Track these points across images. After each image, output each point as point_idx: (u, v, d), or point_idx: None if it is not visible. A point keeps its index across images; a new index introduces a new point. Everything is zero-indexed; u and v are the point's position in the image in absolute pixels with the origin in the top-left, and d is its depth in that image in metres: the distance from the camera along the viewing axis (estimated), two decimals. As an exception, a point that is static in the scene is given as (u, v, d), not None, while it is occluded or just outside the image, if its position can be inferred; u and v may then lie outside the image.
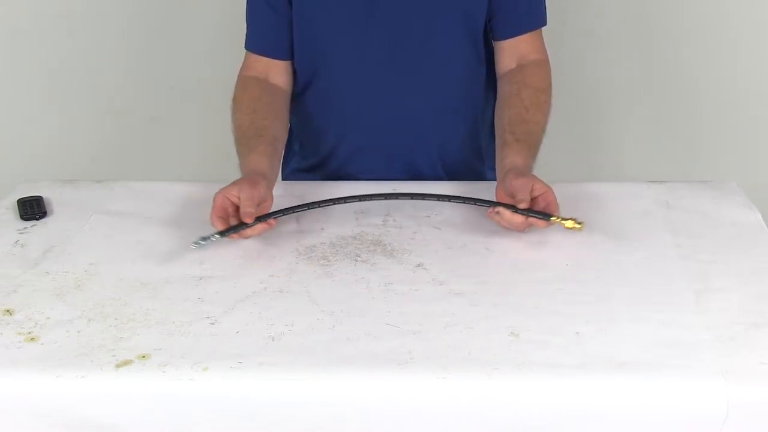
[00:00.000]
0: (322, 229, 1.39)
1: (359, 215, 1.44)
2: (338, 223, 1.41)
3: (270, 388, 1.05)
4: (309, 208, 1.42)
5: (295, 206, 1.41)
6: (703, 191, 1.49)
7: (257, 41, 1.58)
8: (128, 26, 2.27)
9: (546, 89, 1.53)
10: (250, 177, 1.38)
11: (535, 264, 1.29)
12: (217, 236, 1.32)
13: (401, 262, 1.30)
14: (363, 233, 1.39)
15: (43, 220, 1.45)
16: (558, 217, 1.31)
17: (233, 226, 1.33)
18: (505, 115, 1.49)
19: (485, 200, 1.39)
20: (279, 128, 1.53)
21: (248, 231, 1.33)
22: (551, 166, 2.27)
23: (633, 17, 2.19)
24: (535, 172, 1.43)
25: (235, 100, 1.55)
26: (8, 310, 1.19)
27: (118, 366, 1.07)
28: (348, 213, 1.45)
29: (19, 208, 1.47)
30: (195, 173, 2.33)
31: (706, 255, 1.29)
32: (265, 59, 1.57)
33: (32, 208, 1.46)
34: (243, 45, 1.59)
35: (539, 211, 1.32)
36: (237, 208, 1.34)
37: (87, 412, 1.06)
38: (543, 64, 1.56)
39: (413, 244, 1.35)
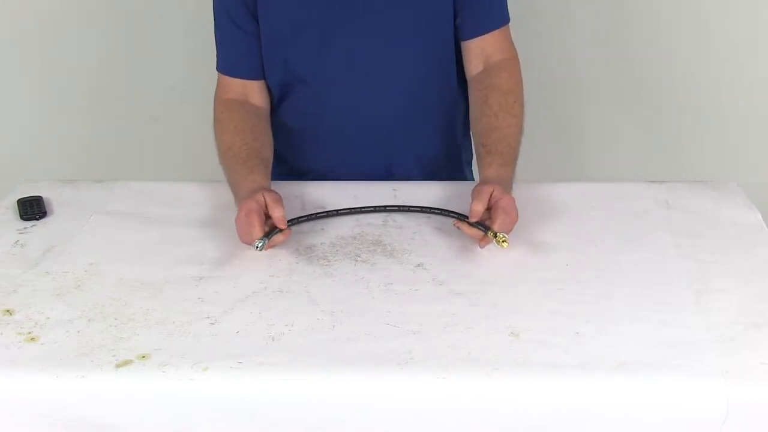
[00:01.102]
0: (322, 229, 1.39)
1: (359, 215, 1.44)
2: (338, 223, 1.41)
3: (270, 388, 1.05)
4: (336, 214, 1.43)
5: (318, 212, 1.42)
6: (703, 191, 1.49)
7: (231, 64, 1.56)
8: (128, 26, 2.27)
9: (513, 90, 1.50)
10: (261, 190, 1.36)
11: (535, 264, 1.29)
12: (265, 240, 1.30)
13: (401, 262, 1.30)
14: (363, 233, 1.39)
15: (43, 220, 1.45)
16: (491, 231, 1.28)
17: (269, 231, 1.31)
18: (476, 125, 1.49)
19: (457, 213, 1.40)
20: (269, 151, 1.52)
21: (279, 237, 1.32)
22: (552, 166, 2.28)
23: (633, 16, 2.19)
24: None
25: (219, 122, 1.53)
26: (8, 310, 1.19)
27: (118, 366, 1.07)
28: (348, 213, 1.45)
29: (19, 208, 1.47)
30: (195, 173, 2.33)
31: (706, 255, 1.29)
32: (241, 81, 1.56)
33: (32, 208, 1.46)
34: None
35: (482, 224, 1.30)
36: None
37: (87, 412, 1.06)
38: (509, 64, 1.53)
39: (413, 244, 1.35)
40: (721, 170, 2.24)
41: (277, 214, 1.31)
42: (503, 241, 1.27)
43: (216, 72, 1.60)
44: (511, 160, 1.44)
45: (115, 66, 2.31)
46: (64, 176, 1.64)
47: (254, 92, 1.56)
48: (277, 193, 1.36)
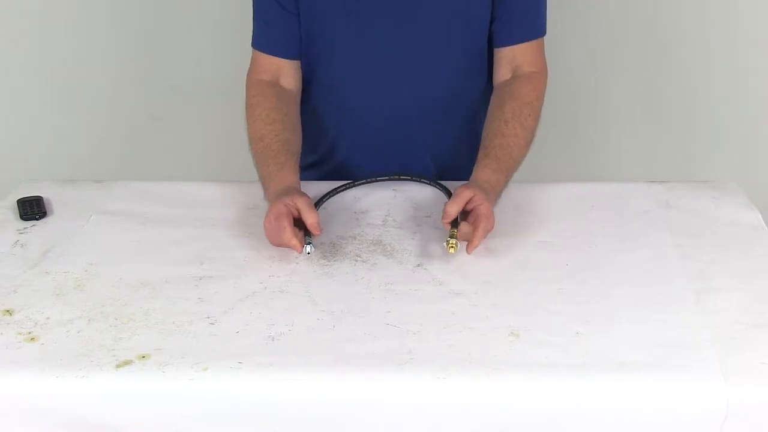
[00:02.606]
0: (322, 228, 1.38)
1: (359, 215, 1.44)
2: (338, 223, 1.41)
3: (270, 388, 1.05)
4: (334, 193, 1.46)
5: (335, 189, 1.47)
6: (703, 191, 1.49)
7: (268, 41, 1.55)
8: (128, 26, 2.27)
9: (532, 102, 1.50)
10: (292, 191, 1.36)
11: (535, 264, 1.29)
12: (312, 244, 1.30)
13: (401, 262, 1.30)
14: (363, 233, 1.39)
15: (43, 220, 1.45)
16: (453, 237, 1.28)
17: (306, 233, 1.31)
18: (486, 128, 1.49)
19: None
20: (299, 141, 1.51)
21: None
22: (552, 166, 2.28)
23: (633, 17, 2.19)
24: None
25: (251, 106, 1.52)
26: (8, 310, 1.19)
27: (118, 366, 1.07)
28: (348, 213, 1.45)
29: (19, 208, 1.47)
30: (195, 173, 2.33)
31: (706, 255, 1.29)
32: (276, 60, 1.55)
33: (32, 208, 1.46)
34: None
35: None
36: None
37: (87, 412, 1.06)
38: (535, 77, 1.53)
39: (413, 244, 1.35)
40: (721, 170, 2.24)
41: (311, 221, 1.30)
42: (451, 247, 1.27)
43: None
44: (507, 168, 1.43)
45: (116, 66, 2.31)
46: (64, 176, 1.64)
47: (288, 73, 1.55)
48: (307, 196, 1.34)
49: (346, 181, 1.52)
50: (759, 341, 1.09)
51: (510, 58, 1.54)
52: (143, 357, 1.09)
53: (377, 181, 1.53)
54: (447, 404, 1.04)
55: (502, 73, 1.55)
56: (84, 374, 1.06)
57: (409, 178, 1.52)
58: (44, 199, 1.50)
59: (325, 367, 1.07)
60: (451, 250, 1.27)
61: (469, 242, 1.29)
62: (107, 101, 2.36)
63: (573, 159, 2.35)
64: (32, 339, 1.13)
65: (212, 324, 1.15)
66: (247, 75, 1.57)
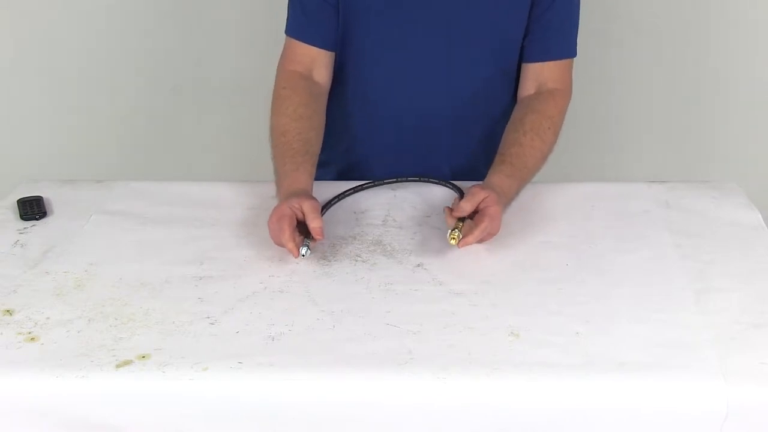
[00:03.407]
0: (325, 235, 1.38)
1: (359, 215, 1.44)
2: (338, 223, 1.41)
3: (270, 388, 1.05)
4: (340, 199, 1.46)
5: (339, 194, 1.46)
6: (703, 191, 1.49)
7: (305, 29, 1.52)
8: (128, 26, 2.27)
9: (553, 117, 1.51)
10: (301, 194, 1.35)
11: (535, 264, 1.29)
12: (308, 248, 1.29)
13: (401, 262, 1.30)
14: (363, 233, 1.39)
15: (43, 220, 1.45)
16: (457, 228, 1.29)
17: (308, 236, 1.31)
18: (504, 137, 1.49)
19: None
20: (319, 142, 1.49)
21: (312, 243, 1.31)
22: (552, 166, 2.28)
23: (633, 18, 2.19)
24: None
25: (279, 98, 1.50)
26: (8, 310, 1.19)
27: (118, 366, 1.07)
28: (348, 213, 1.45)
29: (19, 208, 1.47)
30: (195, 173, 2.33)
31: (706, 255, 1.29)
32: (312, 49, 1.52)
33: (32, 208, 1.46)
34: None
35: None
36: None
37: (87, 412, 1.06)
38: (559, 95, 1.54)
39: (413, 244, 1.35)
40: (721, 170, 2.24)
41: (315, 225, 1.29)
42: (453, 238, 1.27)
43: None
44: (520, 176, 1.43)
45: (116, 66, 2.32)
46: (64, 176, 1.64)
47: (321, 65, 1.53)
48: (315, 200, 1.34)
49: (355, 183, 1.50)
50: (759, 341, 1.09)
51: (537, 74, 1.54)
52: (143, 357, 1.09)
53: (381, 184, 1.51)
54: (447, 404, 1.04)
55: (527, 87, 1.55)
56: (84, 374, 1.06)
57: (417, 179, 1.52)
58: (44, 199, 1.50)
59: (325, 367, 1.07)
60: (452, 242, 1.27)
61: (464, 237, 1.28)
62: (107, 101, 2.36)
63: (573, 159, 2.35)
64: (32, 339, 1.13)
65: (212, 324, 1.15)
66: (279, 63, 1.54)
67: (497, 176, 1.41)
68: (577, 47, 1.54)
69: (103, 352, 1.10)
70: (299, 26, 1.53)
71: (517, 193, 1.43)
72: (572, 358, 1.07)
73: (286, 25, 1.54)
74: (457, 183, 1.50)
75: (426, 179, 1.51)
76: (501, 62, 1.54)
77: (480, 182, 1.39)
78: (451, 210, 1.33)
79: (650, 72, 2.25)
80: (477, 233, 1.28)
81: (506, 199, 1.39)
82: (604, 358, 1.07)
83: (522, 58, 1.55)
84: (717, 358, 1.06)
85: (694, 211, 1.43)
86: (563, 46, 1.54)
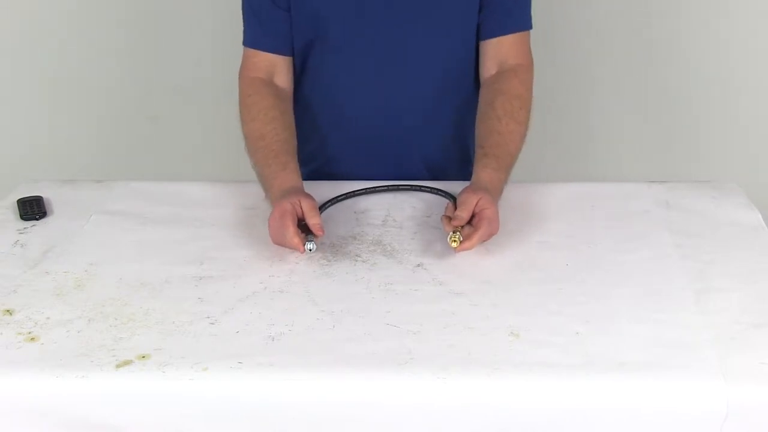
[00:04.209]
0: (325, 231, 1.38)
1: (359, 215, 1.44)
2: (338, 223, 1.41)
3: (270, 388, 1.05)
4: (353, 195, 1.47)
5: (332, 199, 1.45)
6: (703, 191, 1.49)
7: (261, 38, 1.54)
8: (128, 26, 2.27)
9: (522, 95, 1.50)
10: (296, 192, 1.36)
11: (535, 264, 1.29)
12: (314, 242, 1.31)
13: (401, 262, 1.30)
14: (363, 233, 1.39)
15: (43, 220, 1.45)
16: (457, 231, 1.29)
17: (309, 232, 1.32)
18: (479, 127, 1.49)
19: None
20: (295, 141, 1.51)
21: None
22: (552, 166, 2.28)
23: (633, 16, 2.19)
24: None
25: (246, 105, 1.51)
26: (8, 310, 1.19)
27: (118, 366, 1.07)
28: (348, 213, 1.45)
29: (19, 208, 1.47)
30: (195, 173, 2.33)
31: (706, 255, 1.29)
32: (270, 56, 1.54)
33: (32, 208, 1.46)
34: (241, 46, 1.56)
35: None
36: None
37: (87, 412, 1.06)
38: (522, 70, 1.53)
39: (413, 244, 1.35)
40: (721, 170, 2.24)
41: (314, 221, 1.31)
42: (454, 241, 1.27)
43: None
44: (506, 165, 1.43)
45: (116, 66, 2.32)
46: (64, 176, 1.64)
47: (281, 70, 1.55)
48: (312, 198, 1.35)
49: (348, 191, 1.50)
50: (759, 341, 1.09)
51: (495, 52, 1.53)
52: (143, 357, 1.09)
53: (378, 190, 1.51)
54: (447, 404, 1.04)
55: (488, 67, 1.54)
56: (84, 374, 1.06)
57: (409, 187, 1.51)
58: (44, 199, 1.50)
59: (325, 367, 1.07)
60: (453, 244, 1.27)
61: (464, 241, 1.28)
62: (107, 101, 2.36)
63: (573, 159, 2.36)
64: (32, 339, 1.13)
65: (212, 324, 1.15)
66: (240, 73, 1.56)
67: (484, 172, 1.41)
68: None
69: (103, 352, 1.10)
70: (255, 36, 1.55)
71: (506, 182, 1.43)
72: (572, 358, 1.07)
73: (244, 37, 1.56)
74: (446, 185, 1.49)
75: (418, 187, 1.50)
76: (459, 47, 1.54)
77: (467, 183, 1.39)
78: (448, 218, 1.32)
79: (650, 72, 2.25)
80: (476, 239, 1.29)
81: (498, 193, 1.39)
82: (604, 358, 1.07)
83: (479, 36, 1.54)
84: (717, 358, 1.06)
85: (694, 211, 1.43)
86: (519, 19, 1.53)
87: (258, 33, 1.55)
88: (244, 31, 1.56)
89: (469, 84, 1.59)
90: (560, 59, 2.22)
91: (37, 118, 2.39)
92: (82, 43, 2.29)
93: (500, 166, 1.42)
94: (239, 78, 1.56)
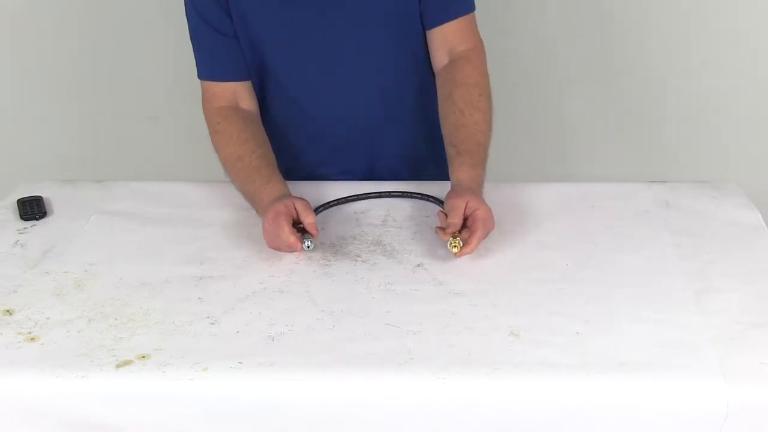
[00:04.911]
0: (322, 229, 1.39)
1: (359, 215, 1.44)
2: (338, 223, 1.41)
3: (270, 388, 1.06)
4: (345, 201, 1.47)
5: (329, 202, 1.45)
6: (703, 191, 1.49)
7: (217, 69, 1.53)
8: (128, 26, 2.27)
9: (479, 82, 1.49)
10: (287, 196, 1.37)
11: (535, 264, 1.29)
12: (311, 239, 1.31)
13: (401, 262, 1.30)
14: (363, 233, 1.39)
15: (43, 220, 1.45)
16: (456, 237, 1.29)
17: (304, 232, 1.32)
18: (444, 123, 1.48)
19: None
20: (273, 155, 1.50)
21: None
22: (552, 166, 2.28)
23: (635, 16, 2.19)
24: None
25: (218, 132, 1.51)
26: (8, 310, 1.19)
27: (118, 366, 1.07)
28: (348, 213, 1.45)
29: (19, 208, 1.47)
30: (195, 173, 2.33)
31: (706, 255, 1.29)
32: (230, 85, 1.53)
33: (32, 208, 1.46)
34: (198, 78, 1.56)
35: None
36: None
37: (87, 412, 1.06)
38: (473, 55, 1.51)
39: (413, 244, 1.35)
40: (721, 170, 2.24)
41: (309, 221, 1.31)
42: (454, 246, 1.27)
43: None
44: (480, 159, 1.43)
45: (115, 66, 2.31)
46: (64, 176, 1.64)
47: (244, 95, 1.54)
48: (305, 200, 1.36)
49: (339, 195, 1.49)
50: (759, 341, 1.09)
51: (443, 39, 1.52)
52: (143, 357, 1.09)
53: (369, 197, 1.50)
54: (447, 404, 1.04)
55: (439, 57, 1.53)
56: (84, 374, 1.06)
57: (400, 194, 1.50)
58: (44, 199, 1.50)
59: (325, 367, 1.07)
60: (455, 250, 1.27)
61: (465, 245, 1.28)
62: (107, 101, 2.36)
63: (573, 159, 2.35)
64: (32, 339, 1.13)
65: (212, 324, 1.15)
66: (203, 106, 1.55)
67: (461, 171, 1.40)
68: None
69: (103, 352, 1.10)
70: (209, 68, 1.54)
71: (484, 174, 1.42)
72: (572, 358, 1.07)
73: (198, 70, 1.55)
74: (430, 186, 1.49)
75: (409, 194, 1.49)
76: (406, 36, 1.52)
77: (447, 182, 1.39)
78: (442, 229, 1.32)
79: (651, 71, 2.25)
80: (475, 242, 1.29)
81: (480, 188, 1.38)
82: (604, 358, 1.07)
83: (425, 26, 1.52)
84: (717, 358, 1.06)
85: (694, 211, 1.43)
86: (459, 3, 1.52)
87: (211, 65, 1.53)
88: (197, 65, 1.55)
89: (425, 73, 1.57)
90: (561, 59, 2.22)
91: (37, 118, 2.39)
92: (82, 43, 2.29)
93: (475, 162, 1.41)
94: (204, 111, 1.55)
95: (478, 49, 1.53)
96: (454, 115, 1.46)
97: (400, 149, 1.62)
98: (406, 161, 1.63)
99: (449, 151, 1.44)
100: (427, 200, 1.47)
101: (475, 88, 1.47)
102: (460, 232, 1.30)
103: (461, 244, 1.28)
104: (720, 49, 2.20)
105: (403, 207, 1.47)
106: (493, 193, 1.40)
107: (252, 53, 1.52)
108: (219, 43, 1.50)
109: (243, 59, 1.52)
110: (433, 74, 1.57)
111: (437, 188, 1.48)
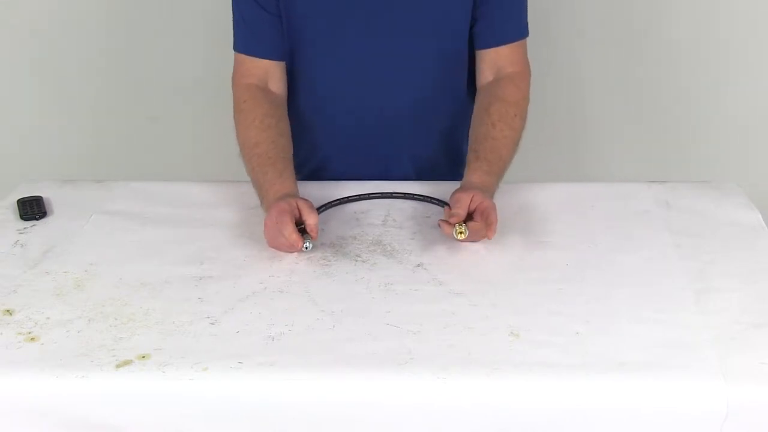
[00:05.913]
0: (322, 229, 1.39)
1: (359, 215, 1.44)
2: (338, 223, 1.41)
3: (270, 388, 1.06)
4: (347, 201, 1.47)
5: (331, 201, 1.45)
6: (703, 191, 1.49)
7: (253, 43, 1.53)
8: (128, 26, 2.27)
9: (518, 102, 1.50)
10: (293, 196, 1.36)
11: (535, 264, 1.29)
12: (310, 240, 1.31)
13: (401, 262, 1.30)
14: (363, 233, 1.39)
15: (43, 220, 1.45)
16: (462, 225, 1.29)
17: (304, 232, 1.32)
18: (473, 131, 1.49)
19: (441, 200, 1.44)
20: (291, 148, 1.50)
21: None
22: (552, 166, 2.28)
23: (634, 16, 2.19)
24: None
25: (242, 111, 1.50)
26: (8, 310, 1.19)
27: (118, 366, 1.07)
28: (348, 213, 1.45)
29: (19, 208, 1.47)
30: (195, 173, 2.33)
31: (706, 255, 1.29)
32: (263, 62, 1.53)
33: (32, 208, 1.46)
34: (233, 50, 1.56)
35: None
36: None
37: (87, 412, 1.06)
38: (519, 78, 1.52)
39: (413, 244, 1.35)
40: (721, 170, 2.24)
41: (312, 222, 1.31)
42: (460, 233, 1.27)
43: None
44: (498, 170, 1.43)
45: (115, 66, 2.32)
46: (64, 176, 1.64)
47: (275, 76, 1.54)
48: (309, 200, 1.35)
49: (342, 195, 1.50)
50: (759, 341, 1.09)
51: (493, 61, 1.53)
52: (143, 357, 1.09)
53: (371, 197, 1.50)
54: (447, 404, 1.04)
55: (484, 75, 1.54)
56: (84, 374, 1.06)
57: (402, 195, 1.50)
58: (44, 199, 1.50)
59: (325, 367, 1.07)
60: (461, 236, 1.27)
61: (488, 227, 1.29)
62: (107, 101, 2.36)
63: (573, 159, 2.35)
64: (32, 339, 1.13)
65: (212, 324, 1.15)
66: (233, 79, 1.55)
67: (476, 174, 1.41)
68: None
69: (103, 352, 1.10)
70: (247, 41, 1.53)
71: (497, 186, 1.43)
72: (572, 358, 1.07)
73: (234, 42, 1.55)
74: (437, 187, 1.49)
75: (412, 196, 1.49)
76: (450, 53, 1.53)
77: (457, 183, 1.39)
78: (446, 222, 1.32)
79: (651, 72, 2.25)
80: (494, 221, 1.29)
81: (489, 195, 1.38)
82: (604, 358, 1.07)
83: (475, 45, 1.53)
84: (717, 358, 1.06)
85: (694, 211, 1.43)
86: (515, 29, 1.53)
87: (249, 39, 1.53)
88: (235, 36, 1.55)
89: (461, 90, 1.58)
90: (561, 59, 2.22)
91: (38, 118, 2.39)
92: (82, 42, 2.29)
93: (492, 170, 1.42)
94: (233, 84, 1.55)
95: (524, 72, 1.54)
96: (485, 126, 1.46)
97: (417, 160, 1.62)
98: (419, 172, 1.62)
99: (469, 156, 1.45)
100: (431, 202, 1.46)
101: (513, 107, 1.48)
102: (467, 223, 1.30)
103: (467, 232, 1.28)
104: (720, 49, 2.20)
105: (403, 207, 1.47)
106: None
107: (289, 36, 1.51)
108: (261, 17, 1.50)
109: (281, 39, 1.52)
110: (468, 93, 1.57)
111: (443, 188, 1.47)
